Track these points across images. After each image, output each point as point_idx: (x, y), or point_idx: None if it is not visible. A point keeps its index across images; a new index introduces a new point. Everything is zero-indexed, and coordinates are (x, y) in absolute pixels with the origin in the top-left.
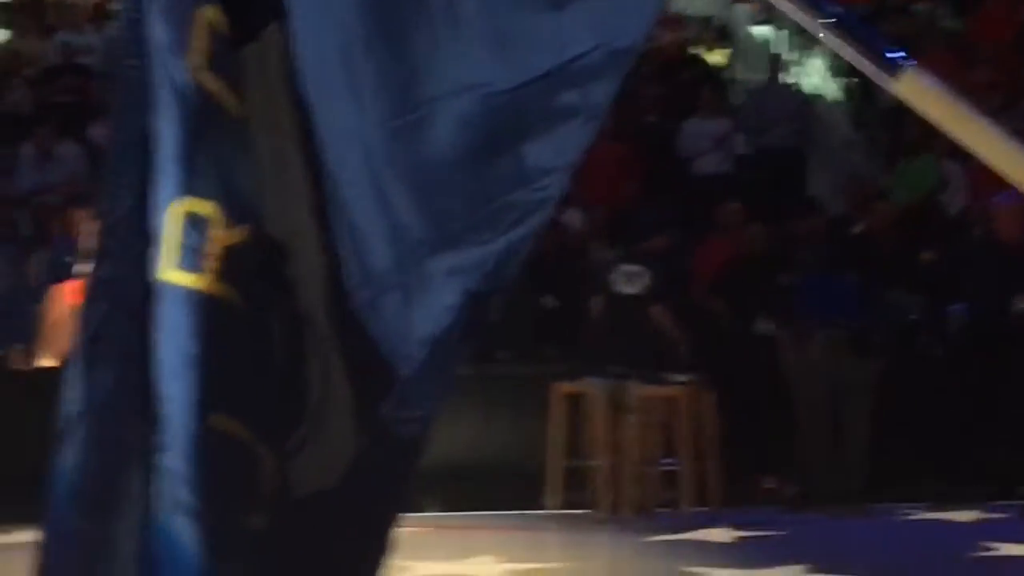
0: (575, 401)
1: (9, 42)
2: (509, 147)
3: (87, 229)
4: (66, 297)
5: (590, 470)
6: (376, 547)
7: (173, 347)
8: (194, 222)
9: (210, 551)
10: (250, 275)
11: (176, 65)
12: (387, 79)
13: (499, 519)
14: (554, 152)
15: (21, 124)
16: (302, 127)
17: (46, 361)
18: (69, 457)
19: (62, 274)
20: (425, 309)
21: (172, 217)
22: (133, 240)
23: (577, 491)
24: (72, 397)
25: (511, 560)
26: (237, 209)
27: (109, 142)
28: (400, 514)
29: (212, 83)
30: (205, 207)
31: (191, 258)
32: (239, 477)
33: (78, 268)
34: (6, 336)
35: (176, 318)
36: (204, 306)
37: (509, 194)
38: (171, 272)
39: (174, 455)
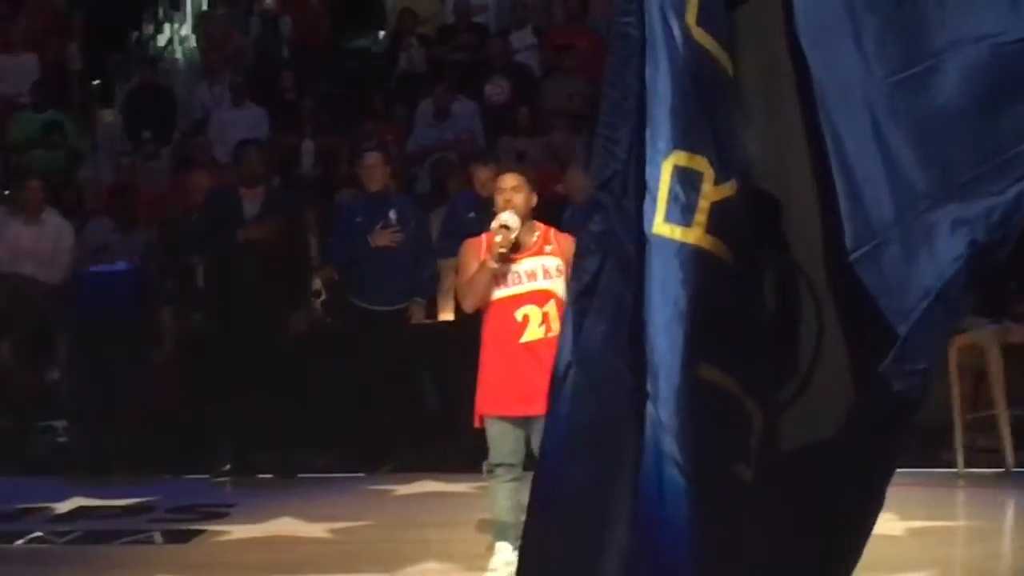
0: (976, 352)
1: (404, 2)
2: (1020, 97)
3: (487, 185)
4: (475, 252)
5: (994, 423)
6: (870, 503)
7: (663, 299)
8: (686, 176)
9: (698, 501)
10: (739, 229)
11: (672, 22)
12: (891, 31)
13: (900, 476)
14: None
15: (418, 82)
16: (800, 82)
17: (446, 315)
18: (562, 406)
19: (461, 229)
20: (928, 261)
21: (664, 171)
22: (626, 195)
23: (981, 449)
24: (565, 348)
25: (913, 518)
26: (727, 164)
27: (602, 98)
28: (893, 469)
29: (706, 40)
30: (697, 162)
31: (682, 212)
32: (727, 428)
33: (492, 223)
34: (406, 290)
35: (667, 271)
36: (694, 259)
37: (1021, 145)
38: (663, 226)
39: (662, 405)
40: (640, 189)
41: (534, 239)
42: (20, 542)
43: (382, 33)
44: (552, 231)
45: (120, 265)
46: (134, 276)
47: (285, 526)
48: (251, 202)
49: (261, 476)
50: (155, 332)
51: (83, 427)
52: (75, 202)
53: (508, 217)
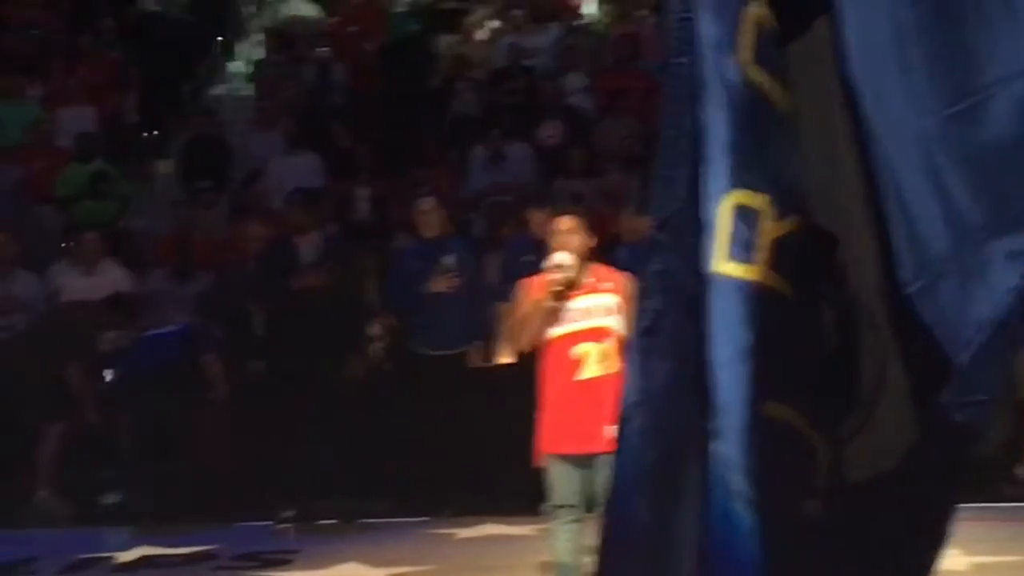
0: None
1: (456, 47)
2: None
3: (543, 228)
4: (531, 294)
5: None
6: (933, 533)
7: (726, 337)
8: (744, 214)
9: (765, 538)
10: (799, 265)
11: (726, 61)
12: (941, 66)
13: (964, 510)
14: None
15: (471, 127)
16: (853, 117)
17: (504, 359)
18: (629, 446)
19: (517, 273)
20: (984, 293)
21: (724, 210)
22: (686, 234)
23: None
24: (630, 388)
25: (977, 553)
26: (785, 200)
27: (660, 139)
28: (956, 501)
29: (760, 77)
30: (755, 199)
31: (742, 250)
32: (793, 464)
33: (546, 263)
34: (464, 335)
35: (729, 308)
36: (756, 296)
37: None
38: (724, 264)
39: (728, 443)
40: (699, 228)
41: (590, 278)
42: None
43: (435, 78)
44: (608, 269)
45: (172, 327)
46: (185, 331)
47: (348, 572)
48: (307, 249)
49: (323, 522)
50: (205, 379)
51: (144, 476)
52: (133, 253)
53: (563, 256)
